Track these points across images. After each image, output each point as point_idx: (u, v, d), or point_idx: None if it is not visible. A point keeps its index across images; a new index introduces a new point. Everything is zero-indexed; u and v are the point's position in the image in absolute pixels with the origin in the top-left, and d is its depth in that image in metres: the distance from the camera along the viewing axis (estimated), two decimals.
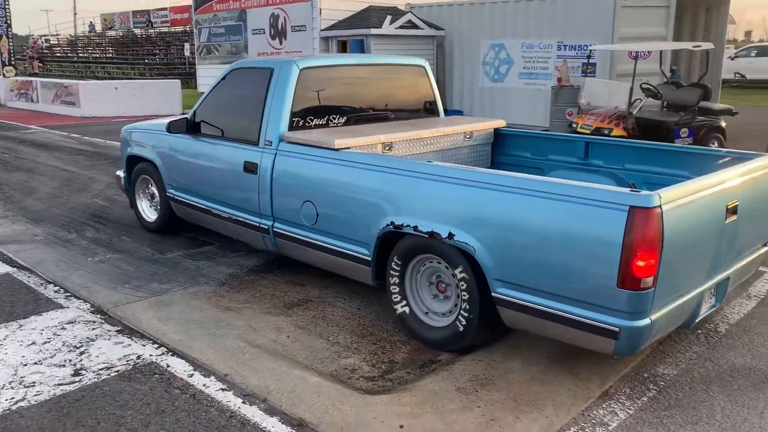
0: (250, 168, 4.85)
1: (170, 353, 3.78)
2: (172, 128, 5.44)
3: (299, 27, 15.65)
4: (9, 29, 22.51)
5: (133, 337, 3.99)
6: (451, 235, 3.58)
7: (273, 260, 5.42)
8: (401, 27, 14.65)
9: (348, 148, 4.37)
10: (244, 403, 3.24)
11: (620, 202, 2.99)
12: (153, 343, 3.91)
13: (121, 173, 6.58)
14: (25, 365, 3.63)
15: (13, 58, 22.90)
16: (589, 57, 11.20)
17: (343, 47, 15.09)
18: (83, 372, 3.55)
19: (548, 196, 3.24)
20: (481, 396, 3.30)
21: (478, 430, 3.01)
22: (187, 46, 28.64)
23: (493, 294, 3.50)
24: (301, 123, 4.83)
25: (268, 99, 4.81)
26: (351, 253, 4.23)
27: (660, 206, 2.96)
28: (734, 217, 3.58)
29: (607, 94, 10.48)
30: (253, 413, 3.15)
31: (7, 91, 21.60)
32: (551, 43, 13.36)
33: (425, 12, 15.68)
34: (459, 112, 15.09)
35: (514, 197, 3.37)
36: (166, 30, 37.48)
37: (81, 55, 39.95)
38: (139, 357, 3.73)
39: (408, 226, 3.79)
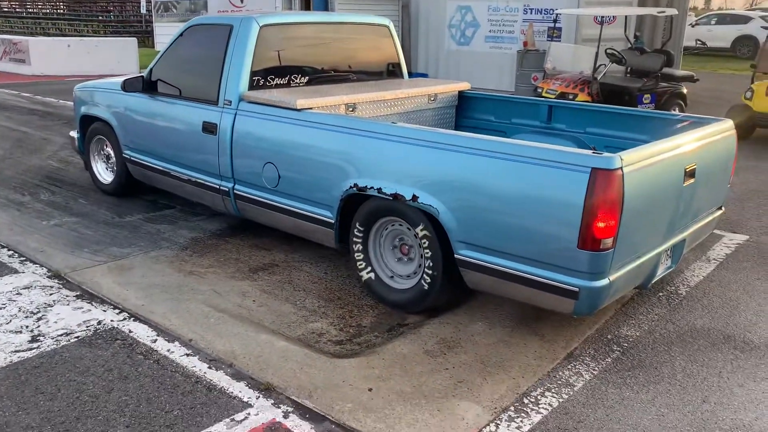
0: (209, 128, 4.74)
1: (132, 318, 3.68)
2: (127, 87, 5.28)
3: None
4: None
5: (92, 303, 3.87)
6: (414, 198, 3.58)
7: (236, 224, 5.32)
8: None
9: (310, 108, 4.29)
10: (210, 368, 3.19)
11: (582, 164, 3.02)
12: (114, 309, 3.80)
13: (74, 134, 6.36)
14: None
15: None
16: (555, 21, 11.17)
17: (306, 5, 14.72)
18: (41, 338, 3.44)
19: (512, 158, 3.25)
20: (448, 358, 3.32)
21: (446, 392, 3.03)
22: (143, 2, 27.58)
23: (456, 256, 3.52)
24: (261, 82, 4.73)
25: (227, 57, 4.69)
26: (314, 215, 4.20)
27: (621, 168, 3.00)
28: (692, 180, 3.66)
29: (572, 58, 10.50)
30: (220, 378, 3.10)
31: None
32: (517, 6, 13.27)
33: None
34: (424, 75, 14.96)
35: (477, 159, 3.37)
36: None
37: (30, 10, 38.16)
38: (99, 322, 3.63)
39: (371, 188, 3.77)
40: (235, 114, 4.58)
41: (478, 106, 5.49)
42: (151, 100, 5.28)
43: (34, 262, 4.45)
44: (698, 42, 13.01)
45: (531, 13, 13.00)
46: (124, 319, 3.68)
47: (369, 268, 4.00)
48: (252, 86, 4.66)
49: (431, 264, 3.66)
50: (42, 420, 2.77)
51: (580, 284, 3.10)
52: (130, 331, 3.53)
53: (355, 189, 3.86)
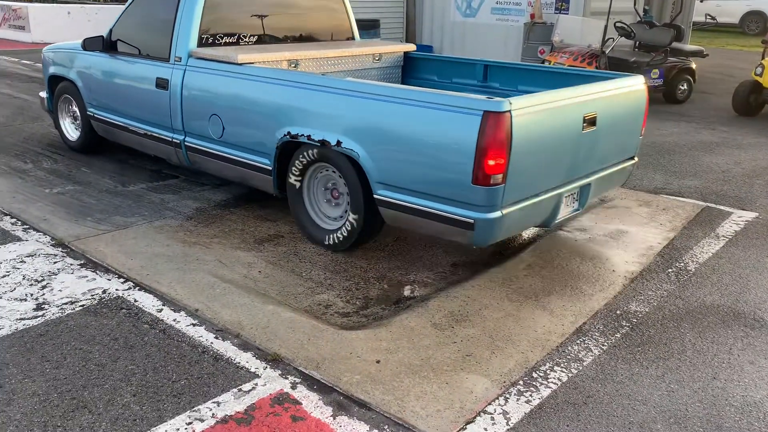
0: (162, 84, 5.01)
1: (137, 288, 3.66)
2: (87, 46, 5.56)
3: None
4: None
5: (97, 271, 3.84)
6: (339, 143, 3.90)
7: (241, 195, 5.27)
8: None
9: (252, 63, 4.57)
10: (216, 338, 3.16)
11: (476, 108, 3.35)
12: (119, 278, 3.77)
13: (43, 94, 6.59)
14: None
15: None
16: None
17: None
18: (46, 306, 3.41)
19: (418, 104, 3.57)
20: (456, 332, 3.29)
21: (454, 365, 3.01)
22: None
23: (374, 195, 3.86)
24: (210, 40, 5.00)
25: (178, 16, 4.96)
26: (254, 163, 4.48)
27: (510, 111, 3.31)
28: (593, 128, 3.94)
29: (580, 32, 10.34)
30: (227, 348, 3.08)
31: None
32: None
33: None
34: (429, 48, 14.77)
35: (390, 106, 3.69)
36: None
37: None
38: (104, 291, 3.60)
39: (302, 135, 4.07)
40: (185, 70, 4.86)
41: (422, 66, 5.76)
42: (111, 59, 5.54)
43: (38, 230, 4.41)
44: (708, 17, 12.80)
45: None
46: (129, 288, 3.65)
47: (305, 209, 4.37)
48: (201, 44, 4.92)
49: (354, 209, 4.00)
50: (48, 388, 2.76)
51: (475, 216, 3.45)
52: (136, 301, 3.51)
53: (288, 137, 4.16)
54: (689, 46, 11.19)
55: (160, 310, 3.41)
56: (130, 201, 5.05)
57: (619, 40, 9.57)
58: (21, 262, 3.93)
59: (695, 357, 3.15)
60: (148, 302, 3.50)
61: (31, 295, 3.53)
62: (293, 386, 2.82)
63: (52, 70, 6.30)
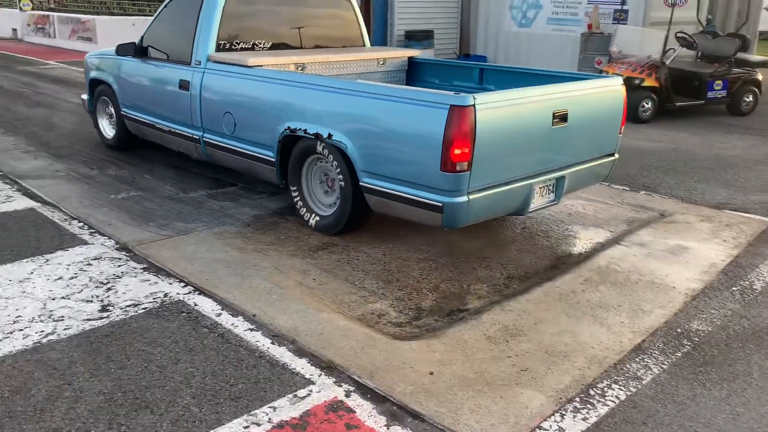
0: (184, 85, 5.52)
1: (197, 292, 3.76)
2: (119, 51, 6.11)
3: None
4: None
5: (159, 275, 3.97)
6: (330, 136, 4.31)
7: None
8: None
9: (260, 66, 5.04)
10: (273, 343, 3.22)
11: (444, 102, 3.71)
12: (180, 282, 3.89)
13: (85, 96, 7.18)
14: (53, 299, 3.62)
15: None
16: (623, 3, 10.79)
17: (366, 4, 14.62)
18: (111, 308, 3.54)
19: (395, 100, 3.99)
20: (511, 346, 3.26)
21: (509, 379, 2.98)
22: None
23: (360, 183, 4.24)
24: (227, 45, 5.49)
25: (198, 23, 5.46)
26: (261, 156, 4.94)
27: (474, 106, 3.65)
28: (564, 124, 4.23)
29: (639, 42, 10.13)
30: (282, 354, 3.13)
31: (24, 25, 21.35)
32: None
33: None
34: (482, 58, 14.72)
35: (371, 101, 4.11)
36: None
37: None
38: (166, 295, 3.71)
39: (300, 129, 4.51)
40: (203, 72, 5.36)
41: (426, 70, 6.18)
42: (142, 63, 6.10)
43: (103, 234, 4.59)
44: None
45: None
46: (190, 292, 3.76)
47: (298, 195, 4.82)
48: (219, 49, 5.41)
49: (344, 195, 4.41)
50: (113, 387, 2.86)
51: (444, 200, 3.80)
52: (196, 305, 3.61)
53: (288, 131, 4.61)
54: (755, 57, 10.82)
55: (219, 315, 3.50)
56: (190, 207, 5.20)
57: (680, 50, 9.33)
58: (88, 264, 4.09)
59: (762, 379, 3.03)
60: (207, 306, 3.59)
61: (97, 296, 3.68)
62: (347, 394, 2.85)
63: (92, 74, 6.90)
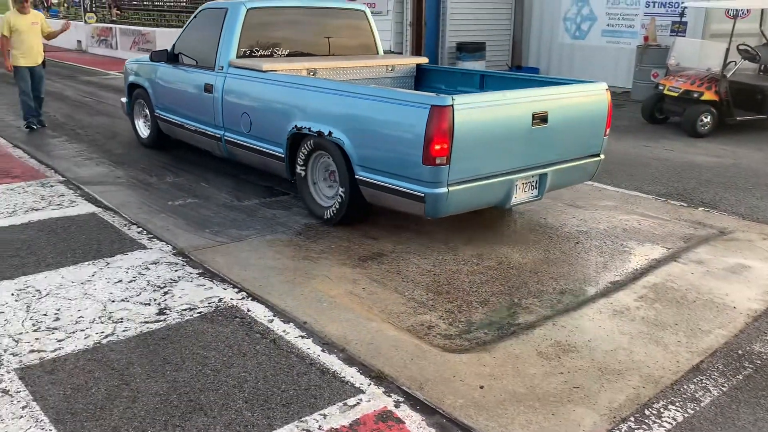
0: (209, 88, 6.03)
1: (250, 298, 3.83)
2: (153, 58, 6.78)
3: None
4: None
5: (214, 281, 4.06)
6: (330, 133, 4.74)
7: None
8: None
9: (274, 70, 5.50)
10: (323, 351, 3.25)
11: (425, 103, 4.12)
12: (233, 287, 3.97)
13: (124, 99, 7.81)
14: (113, 301, 3.75)
15: (94, 5, 23.49)
16: (681, 15, 10.54)
17: (419, 0, 14.71)
18: (167, 311, 3.64)
19: (384, 100, 4.43)
20: (563, 362, 3.21)
21: (561, 396, 2.93)
22: None
23: (356, 176, 4.65)
24: (248, 53, 5.96)
25: (222, 33, 5.96)
26: (273, 152, 5.38)
27: (452, 106, 4.04)
28: (544, 125, 4.56)
29: (698, 55, 9.87)
30: (332, 362, 3.16)
31: (89, 37, 22.25)
32: None
33: None
34: (535, 70, 14.59)
35: (363, 102, 4.57)
36: None
37: (156, 3, 40.55)
38: (220, 300, 3.80)
39: (305, 128, 4.95)
40: (225, 76, 5.86)
41: (433, 76, 6.61)
42: (173, 69, 6.65)
43: (161, 240, 4.73)
44: None
45: (654, 6, 12.33)
46: (243, 298, 3.83)
47: (309, 190, 5.24)
48: (239, 55, 5.88)
49: (343, 188, 4.80)
50: (169, 389, 2.94)
51: (425, 191, 4.20)
52: (249, 310, 3.67)
53: (295, 129, 5.05)
54: None
55: (271, 321, 3.56)
56: (244, 215, 5.31)
57: (741, 63, 9.05)
58: (146, 268, 4.22)
59: None
60: (260, 312, 3.65)
61: (155, 300, 3.79)
62: (396, 405, 2.85)
63: (130, 79, 7.52)
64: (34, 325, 3.46)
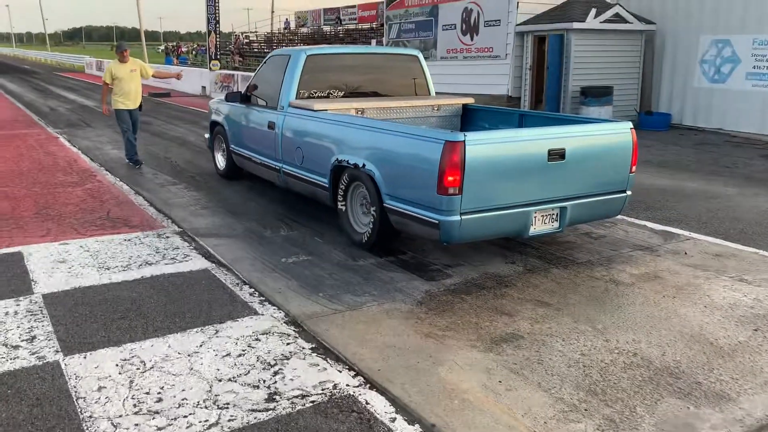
0: (271, 126, 6.67)
1: (368, 385, 3.33)
2: (228, 98, 7.62)
3: (493, 22, 14.93)
4: (217, 26, 24.33)
5: (328, 359, 3.61)
6: (363, 165, 5.21)
7: (471, 279, 4.85)
8: (607, 21, 13.38)
9: (325, 110, 5.98)
10: None
11: (440, 138, 4.50)
12: (349, 370, 3.49)
13: (207, 135, 8.74)
14: (220, 380, 3.37)
15: (218, 53, 24.74)
16: None
17: (539, 44, 14.13)
18: (277, 398, 3.21)
19: (407, 136, 4.88)
20: None
21: None
22: (373, 42, 29.14)
23: (384, 204, 5.06)
24: (306, 94, 6.57)
25: (285, 76, 6.60)
26: (319, 183, 5.93)
27: (464, 142, 4.41)
28: (562, 160, 4.83)
29: None
30: None
31: (212, 83, 23.35)
32: None
33: (635, 4, 14.23)
34: (666, 116, 13.51)
35: (390, 137, 5.03)
36: (353, 27, 38.62)
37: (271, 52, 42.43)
38: (335, 386, 3.32)
39: (344, 161, 5.45)
40: (285, 115, 6.49)
41: (477, 116, 6.99)
42: (245, 108, 7.39)
43: (273, 304, 4.37)
44: None
45: None
46: (360, 384, 3.34)
47: (348, 215, 5.69)
48: (299, 97, 6.50)
49: (374, 215, 5.22)
50: None
51: (440, 218, 4.55)
52: (367, 403, 3.17)
53: (336, 162, 5.57)
54: None
55: (394, 420, 3.03)
56: (359, 277, 4.89)
57: None
58: (256, 339, 3.85)
59: None
60: (380, 407, 3.14)
61: (264, 381, 3.37)
62: None
63: (212, 117, 8.39)
64: (135, 405, 3.14)
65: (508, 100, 14.33)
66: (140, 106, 9.38)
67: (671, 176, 9.14)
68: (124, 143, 9.45)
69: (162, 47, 75.46)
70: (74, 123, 14.94)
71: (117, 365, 3.53)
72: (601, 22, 13.27)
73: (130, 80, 9.11)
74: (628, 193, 5.40)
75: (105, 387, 3.31)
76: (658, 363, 3.60)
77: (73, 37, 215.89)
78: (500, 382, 3.38)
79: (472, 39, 15.64)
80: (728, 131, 12.71)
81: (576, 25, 13.02)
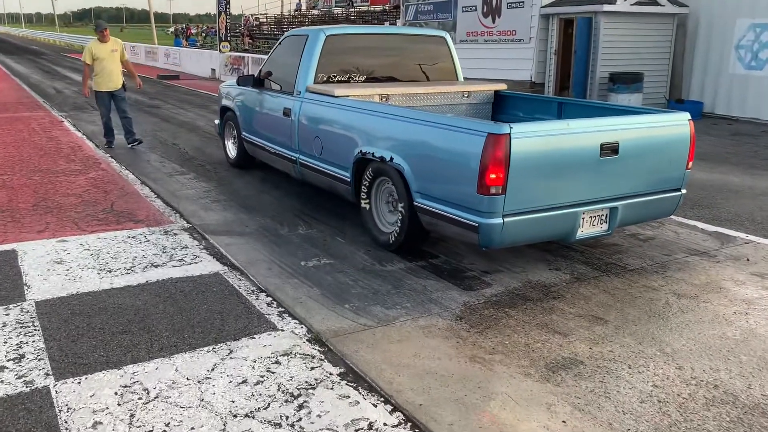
0: (287, 113, 6.12)
1: (410, 425, 2.83)
2: (239, 82, 6.93)
3: (517, 3, 14.25)
4: (227, 7, 23.70)
5: (360, 389, 3.11)
6: (391, 159, 4.69)
7: (513, 289, 4.34)
8: (638, 3, 12.70)
9: (347, 96, 5.44)
10: None
11: (482, 130, 3.97)
12: (385, 403, 2.99)
13: (217, 121, 8.20)
14: (235, 416, 2.88)
15: (228, 35, 24.13)
16: None
17: (565, 27, 13.46)
18: None
19: (442, 127, 4.31)
20: None
21: None
22: (386, 24, 28.42)
23: (414, 203, 4.56)
24: (325, 78, 6.00)
25: (302, 58, 6.04)
26: (340, 176, 5.38)
27: (509, 134, 3.88)
28: (614, 156, 4.32)
29: None
30: None
31: (222, 65, 22.79)
32: None
33: None
34: (698, 104, 12.86)
35: (423, 128, 4.47)
36: (366, 9, 37.77)
37: (286, 32, 41.73)
38: (370, 426, 2.82)
39: (369, 153, 4.93)
40: (302, 101, 5.91)
41: (511, 103, 6.36)
42: (258, 93, 6.82)
43: (294, 317, 3.87)
44: None
45: None
46: (400, 423, 2.84)
47: (372, 212, 5.17)
48: (317, 81, 5.93)
49: (402, 213, 4.71)
50: None
51: (480, 221, 4.03)
52: None
53: (360, 154, 5.03)
54: None
55: None
56: (388, 285, 4.37)
57: None
58: (276, 362, 3.35)
59: None
60: None
61: (287, 418, 2.87)
62: None
63: (222, 102, 7.85)
64: None
65: (531, 86, 13.70)
66: (123, 87, 9.11)
67: (711, 169, 8.55)
68: (103, 126, 9.28)
69: (171, 29, 74.74)
70: (80, 106, 14.44)
71: (116, 393, 3.04)
72: (631, 5, 12.60)
73: (111, 60, 8.85)
74: (683, 191, 4.93)
75: (101, 423, 2.82)
76: (744, 398, 3.08)
77: (83, 18, 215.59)
78: (564, 422, 2.87)
79: (494, 21, 14.97)
80: (765, 121, 12.07)
81: (606, 7, 12.35)
